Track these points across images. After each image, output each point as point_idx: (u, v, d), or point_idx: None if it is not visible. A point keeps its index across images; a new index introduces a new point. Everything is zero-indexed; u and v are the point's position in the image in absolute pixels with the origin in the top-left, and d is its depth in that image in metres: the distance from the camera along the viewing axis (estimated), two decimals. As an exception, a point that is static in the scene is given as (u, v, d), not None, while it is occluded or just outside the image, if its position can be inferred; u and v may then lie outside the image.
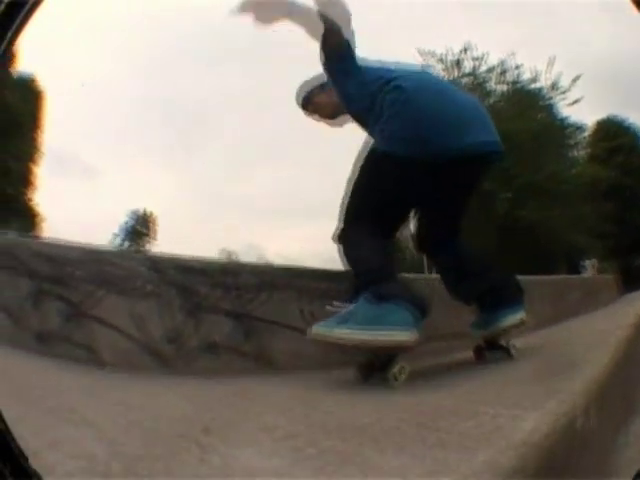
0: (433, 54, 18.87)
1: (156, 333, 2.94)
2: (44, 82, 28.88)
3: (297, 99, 2.94)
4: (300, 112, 3.15)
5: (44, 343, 2.95)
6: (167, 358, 2.89)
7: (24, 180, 29.38)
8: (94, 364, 2.76)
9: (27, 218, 29.55)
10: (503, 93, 18.42)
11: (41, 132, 29.98)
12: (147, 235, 44.86)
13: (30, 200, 29.29)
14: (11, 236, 3.51)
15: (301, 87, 2.92)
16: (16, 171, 27.09)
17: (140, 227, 45.34)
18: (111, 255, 3.44)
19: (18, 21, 1.04)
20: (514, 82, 18.21)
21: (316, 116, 2.96)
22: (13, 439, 0.91)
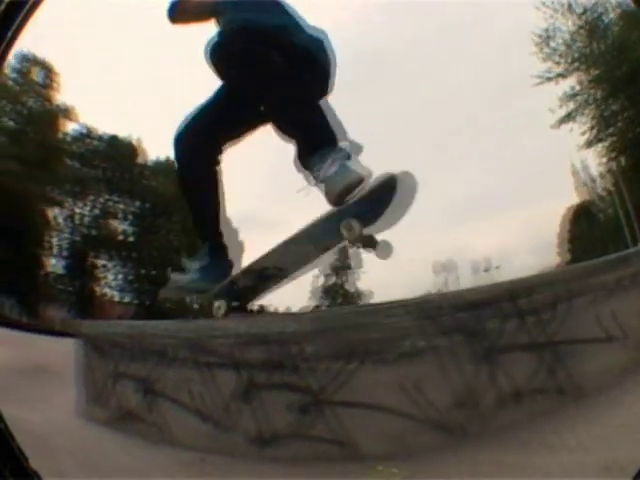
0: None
1: (441, 400, 2.24)
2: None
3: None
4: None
5: (266, 447, 2.36)
6: (456, 428, 2.15)
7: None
8: (354, 460, 2.13)
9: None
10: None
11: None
12: (349, 268, 43.45)
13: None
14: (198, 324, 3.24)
15: None
16: (186, 244, 31.20)
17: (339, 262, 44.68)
18: (353, 314, 2.65)
19: (18, 21, 1.14)
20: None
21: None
22: (13, 439, 0.95)
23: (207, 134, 2.78)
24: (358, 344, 2.29)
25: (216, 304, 2.98)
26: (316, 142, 2.51)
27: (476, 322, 2.29)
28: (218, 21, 2.93)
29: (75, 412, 3.22)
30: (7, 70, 27.75)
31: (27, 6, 1.06)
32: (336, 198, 2.48)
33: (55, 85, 27.60)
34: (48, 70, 27.60)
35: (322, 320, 2.50)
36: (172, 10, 2.85)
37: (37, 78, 27.67)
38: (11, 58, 27.51)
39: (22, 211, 23.45)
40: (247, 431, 2.34)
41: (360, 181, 2.47)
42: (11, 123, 26.10)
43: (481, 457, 1.82)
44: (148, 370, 2.72)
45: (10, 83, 27.17)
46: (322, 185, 2.50)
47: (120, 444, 2.61)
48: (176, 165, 2.93)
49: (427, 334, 2.33)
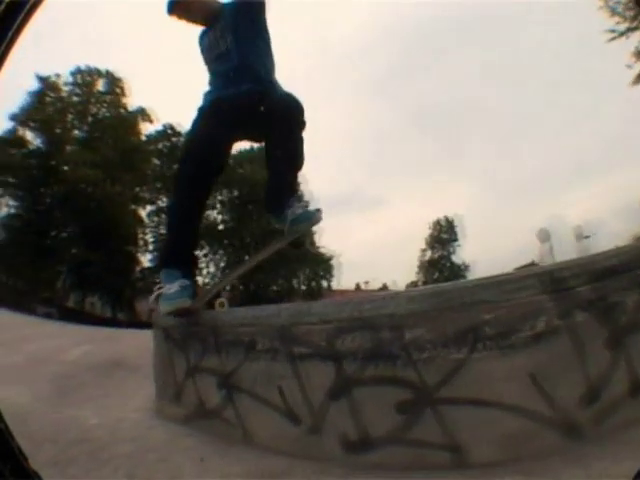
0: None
1: (569, 393, 1.89)
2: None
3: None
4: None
5: (363, 453, 2.09)
6: (582, 427, 1.80)
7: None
8: (455, 466, 1.84)
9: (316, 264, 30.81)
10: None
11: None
12: (454, 240, 41.77)
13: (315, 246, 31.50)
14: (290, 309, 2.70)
15: None
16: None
17: (444, 234, 42.23)
18: (475, 289, 2.07)
19: (18, 21, 1.13)
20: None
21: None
22: (13, 439, 0.93)
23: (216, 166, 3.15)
24: (481, 326, 1.96)
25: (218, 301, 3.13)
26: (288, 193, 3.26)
27: (614, 293, 1.96)
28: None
29: (150, 409, 3.23)
30: (67, 87, 30.70)
31: (27, 6, 1.06)
32: (297, 235, 3.34)
33: (122, 91, 30.14)
34: (112, 78, 30.17)
35: (437, 297, 2.11)
36: (172, 5, 3.07)
37: (102, 88, 30.22)
38: (68, 75, 27.86)
39: (111, 214, 26.48)
40: (342, 433, 2.13)
41: (318, 222, 3.41)
42: (83, 134, 29.14)
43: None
44: (232, 364, 2.55)
45: (75, 99, 30.52)
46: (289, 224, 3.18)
47: (198, 444, 2.52)
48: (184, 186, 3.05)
49: (563, 309, 1.96)
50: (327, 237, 34.54)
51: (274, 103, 2.96)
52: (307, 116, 3.02)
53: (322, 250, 33.19)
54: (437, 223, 42.09)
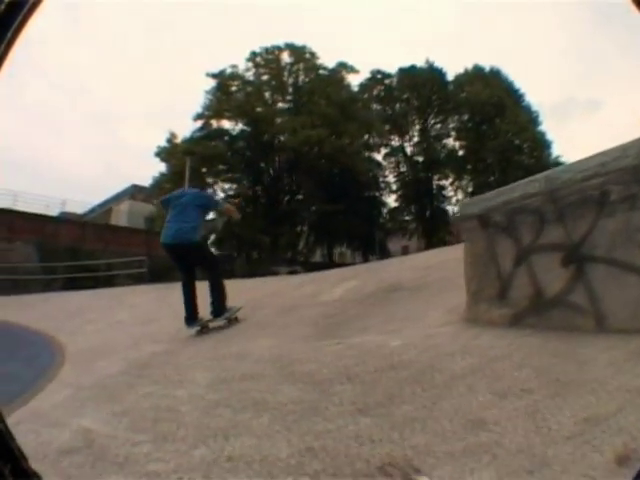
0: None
1: None
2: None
3: None
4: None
5: None
6: None
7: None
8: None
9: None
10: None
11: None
12: None
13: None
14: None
15: None
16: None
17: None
18: None
19: (18, 21, 1.03)
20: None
21: None
22: (13, 439, 0.89)
23: None
24: None
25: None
26: None
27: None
28: None
29: (461, 320, 2.83)
30: (249, 72, 29.12)
31: (27, 6, 0.96)
32: None
33: (313, 55, 28.69)
34: (294, 48, 28.71)
35: None
36: None
37: (289, 60, 28.98)
38: (244, 63, 28.97)
39: (345, 164, 26.75)
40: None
41: None
42: (288, 105, 28.59)
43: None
44: (580, 229, 2.03)
45: (265, 78, 28.98)
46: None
47: (545, 343, 2.03)
48: None
49: None
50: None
51: None
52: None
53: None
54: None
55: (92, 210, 29.04)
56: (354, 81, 31.26)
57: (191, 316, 4.92)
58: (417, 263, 6.65)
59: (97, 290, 11.62)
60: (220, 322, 4.98)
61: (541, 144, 31.34)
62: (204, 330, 4.88)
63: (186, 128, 32.99)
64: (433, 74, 31.61)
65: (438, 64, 32.09)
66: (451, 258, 4.57)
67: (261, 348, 3.43)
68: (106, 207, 30.04)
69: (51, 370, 3.86)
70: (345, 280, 6.31)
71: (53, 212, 22.19)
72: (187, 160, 21.95)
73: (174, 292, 5.62)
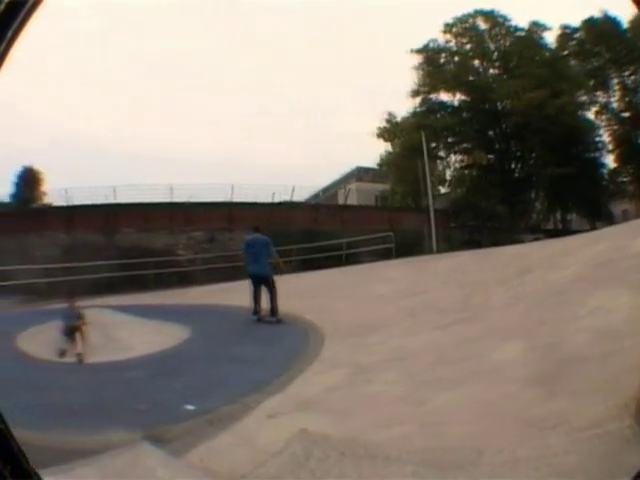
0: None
1: None
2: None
3: None
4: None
5: None
6: None
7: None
8: None
9: None
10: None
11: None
12: None
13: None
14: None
15: None
16: None
17: None
18: None
19: (18, 21, 1.05)
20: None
21: None
22: (13, 439, 0.90)
23: None
24: None
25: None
26: None
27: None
28: None
29: None
30: (450, 43, 28.67)
31: (27, 6, 0.99)
32: None
33: (504, 18, 27.25)
34: (486, 14, 27.28)
35: None
36: None
37: (485, 26, 27.77)
38: (439, 35, 28.39)
39: (569, 125, 24.33)
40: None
41: None
42: (498, 71, 27.58)
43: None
44: None
45: (467, 47, 28.03)
46: None
47: None
48: None
49: None
50: None
51: None
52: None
53: None
54: None
55: (316, 195, 29.95)
56: (548, 39, 29.16)
57: None
58: None
59: (341, 268, 12.19)
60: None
61: None
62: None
63: (398, 108, 31.54)
64: (611, 23, 28.43)
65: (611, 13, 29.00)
66: None
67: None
68: (330, 191, 31.08)
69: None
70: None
71: (277, 200, 22.11)
72: (422, 134, 22.68)
73: (427, 264, 5.48)
